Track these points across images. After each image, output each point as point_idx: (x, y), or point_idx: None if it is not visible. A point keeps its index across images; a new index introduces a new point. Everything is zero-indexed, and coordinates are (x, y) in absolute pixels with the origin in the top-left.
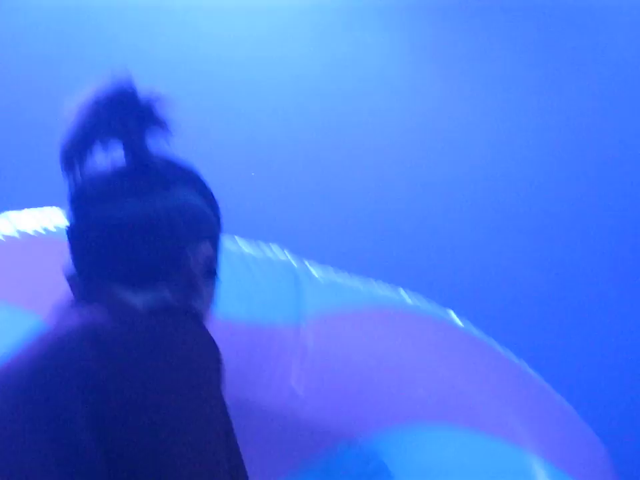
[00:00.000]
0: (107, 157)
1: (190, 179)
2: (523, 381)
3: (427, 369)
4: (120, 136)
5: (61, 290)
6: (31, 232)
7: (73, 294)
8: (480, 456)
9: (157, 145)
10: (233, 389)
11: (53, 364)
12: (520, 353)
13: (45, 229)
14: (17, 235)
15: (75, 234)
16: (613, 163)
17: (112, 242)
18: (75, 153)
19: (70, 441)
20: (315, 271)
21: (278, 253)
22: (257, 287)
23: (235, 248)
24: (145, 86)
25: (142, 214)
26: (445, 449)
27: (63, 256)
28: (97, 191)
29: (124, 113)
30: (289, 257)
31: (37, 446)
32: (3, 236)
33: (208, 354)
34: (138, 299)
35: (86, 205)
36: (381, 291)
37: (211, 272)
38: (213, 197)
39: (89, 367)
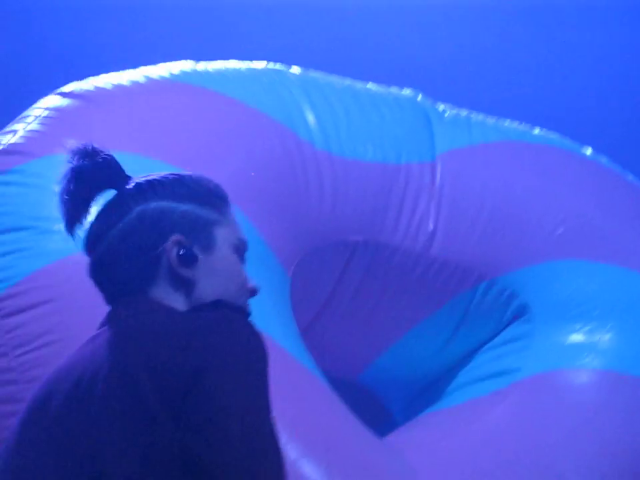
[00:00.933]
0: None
1: (149, 192)
2: None
3: (561, 203)
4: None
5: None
6: (156, 77)
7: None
8: (617, 288)
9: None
10: (370, 230)
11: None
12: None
13: (171, 74)
14: (143, 79)
15: (91, 273)
16: None
17: (109, 271)
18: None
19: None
20: (444, 110)
21: (407, 94)
22: (388, 128)
23: (363, 90)
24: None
25: (113, 242)
26: (583, 284)
27: (189, 98)
28: (87, 237)
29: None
30: (419, 97)
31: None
32: (130, 82)
33: (256, 350)
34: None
35: (87, 250)
36: (511, 126)
37: (190, 257)
38: (182, 192)
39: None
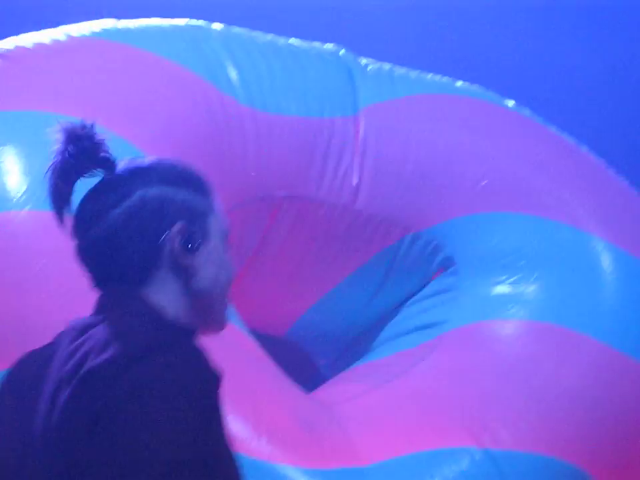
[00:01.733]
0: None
1: (146, 176)
2: (584, 165)
3: (485, 156)
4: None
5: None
6: (77, 35)
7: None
8: (541, 239)
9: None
10: (294, 185)
11: None
12: (580, 137)
13: (92, 32)
14: (64, 38)
15: (80, 254)
16: None
17: (106, 255)
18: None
19: None
20: (367, 64)
21: (330, 49)
22: (311, 82)
23: (286, 46)
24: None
25: (114, 225)
26: (508, 235)
27: (111, 55)
28: (78, 218)
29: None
30: (341, 51)
31: None
32: (52, 40)
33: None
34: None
35: (77, 230)
36: (434, 79)
37: (193, 245)
38: (178, 178)
39: None
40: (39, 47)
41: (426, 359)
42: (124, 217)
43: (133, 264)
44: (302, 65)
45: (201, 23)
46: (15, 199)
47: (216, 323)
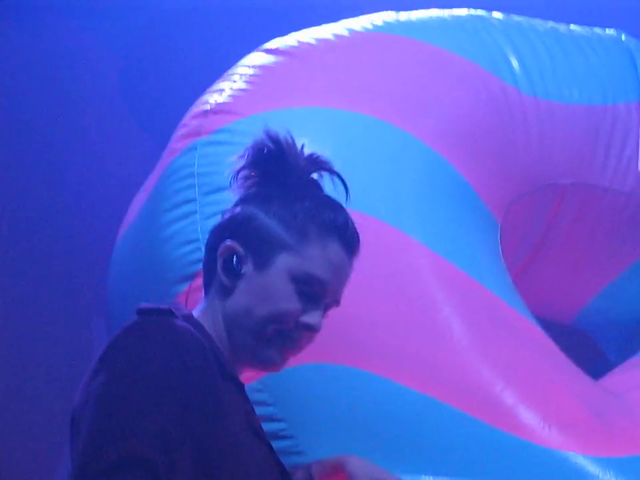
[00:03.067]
0: None
1: (257, 198)
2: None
3: None
4: None
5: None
6: (359, 29)
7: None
8: None
9: None
10: (578, 173)
11: None
12: None
13: (373, 25)
14: (345, 32)
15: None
16: None
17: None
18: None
19: None
20: None
21: (611, 34)
22: (592, 69)
23: (567, 32)
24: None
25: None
26: None
27: (393, 49)
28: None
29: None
30: (623, 36)
31: None
32: (334, 35)
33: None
34: None
35: None
36: None
37: (236, 267)
38: (289, 210)
39: None
40: (322, 42)
41: None
42: (217, 225)
43: (207, 269)
44: (583, 50)
45: (481, 12)
46: None
47: (251, 356)
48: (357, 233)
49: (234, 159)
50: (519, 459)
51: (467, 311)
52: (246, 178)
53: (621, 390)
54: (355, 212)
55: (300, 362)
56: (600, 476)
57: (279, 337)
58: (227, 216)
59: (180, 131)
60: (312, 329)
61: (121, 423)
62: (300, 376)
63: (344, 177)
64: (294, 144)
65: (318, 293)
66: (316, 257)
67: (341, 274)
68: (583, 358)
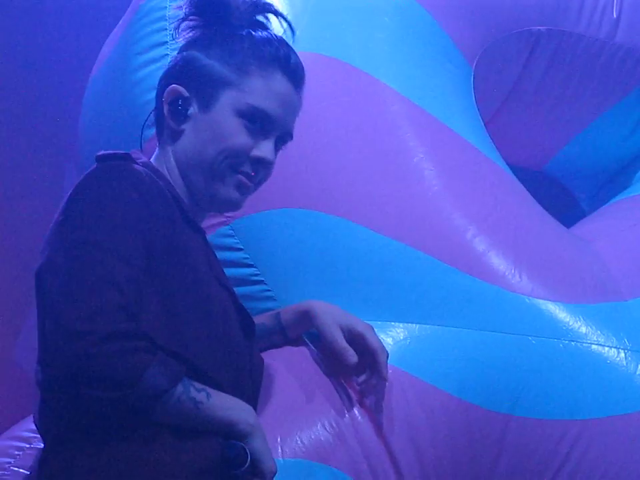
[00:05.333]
0: None
1: (197, 41)
2: None
3: None
4: None
5: None
6: None
7: None
8: None
9: None
10: (553, 20)
11: None
12: None
13: None
14: None
15: None
16: None
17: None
18: None
19: None
20: None
21: None
22: None
23: None
24: None
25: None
26: None
27: None
28: None
29: None
30: None
31: None
32: None
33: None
34: None
35: None
36: None
37: (179, 112)
38: (228, 50)
39: None
40: None
41: None
42: (162, 74)
43: (156, 122)
44: None
45: None
46: None
47: (209, 198)
48: (301, 64)
49: (174, 10)
50: (489, 305)
51: (439, 157)
52: (190, 28)
53: (593, 238)
54: (329, 57)
55: (271, 207)
56: (570, 322)
57: (233, 174)
58: (170, 64)
59: None
60: (264, 162)
61: (95, 270)
62: (270, 221)
63: (316, 20)
64: None
65: (265, 125)
66: (258, 89)
67: (288, 105)
68: (555, 205)
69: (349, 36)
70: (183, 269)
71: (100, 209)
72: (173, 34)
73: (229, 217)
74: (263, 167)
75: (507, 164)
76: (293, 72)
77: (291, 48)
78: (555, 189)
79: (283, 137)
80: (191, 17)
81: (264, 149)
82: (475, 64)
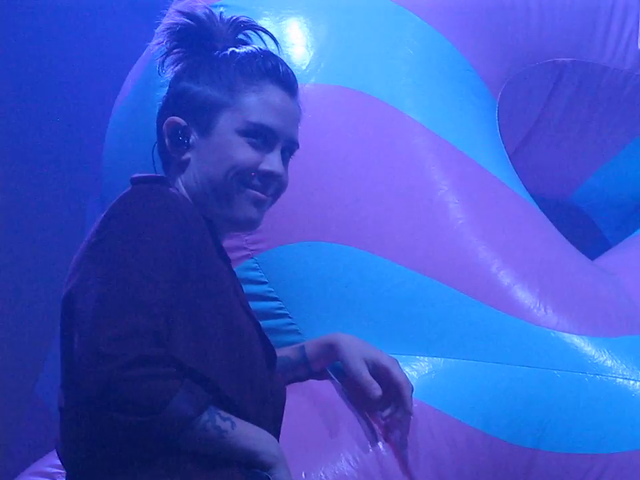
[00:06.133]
0: None
1: (184, 71)
2: None
3: None
4: None
5: None
6: None
7: None
8: None
9: None
10: (578, 51)
11: None
12: None
13: None
14: None
15: None
16: None
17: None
18: None
19: None
20: None
21: None
22: None
23: None
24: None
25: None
26: None
27: None
28: None
29: None
30: None
31: None
32: None
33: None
34: None
35: None
36: None
37: (180, 142)
38: (211, 72)
39: None
40: None
41: None
42: (158, 110)
43: (161, 158)
44: None
45: None
46: (299, 72)
47: (228, 221)
48: (291, 72)
49: (154, 46)
50: (513, 339)
51: (464, 189)
52: (176, 61)
53: (617, 270)
54: (353, 90)
55: (295, 240)
56: (595, 356)
57: (244, 189)
58: (163, 99)
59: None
60: (273, 175)
61: (127, 293)
62: (295, 254)
63: (341, 53)
64: (211, 13)
65: (268, 138)
66: (253, 105)
67: (286, 114)
68: (581, 237)
69: (374, 69)
70: (214, 295)
71: (135, 231)
72: (158, 70)
73: (253, 250)
74: (273, 180)
75: (532, 195)
76: (284, 81)
77: (278, 58)
78: (579, 219)
79: (289, 147)
80: (174, 50)
81: (271, 162)
82: (499, 96)
